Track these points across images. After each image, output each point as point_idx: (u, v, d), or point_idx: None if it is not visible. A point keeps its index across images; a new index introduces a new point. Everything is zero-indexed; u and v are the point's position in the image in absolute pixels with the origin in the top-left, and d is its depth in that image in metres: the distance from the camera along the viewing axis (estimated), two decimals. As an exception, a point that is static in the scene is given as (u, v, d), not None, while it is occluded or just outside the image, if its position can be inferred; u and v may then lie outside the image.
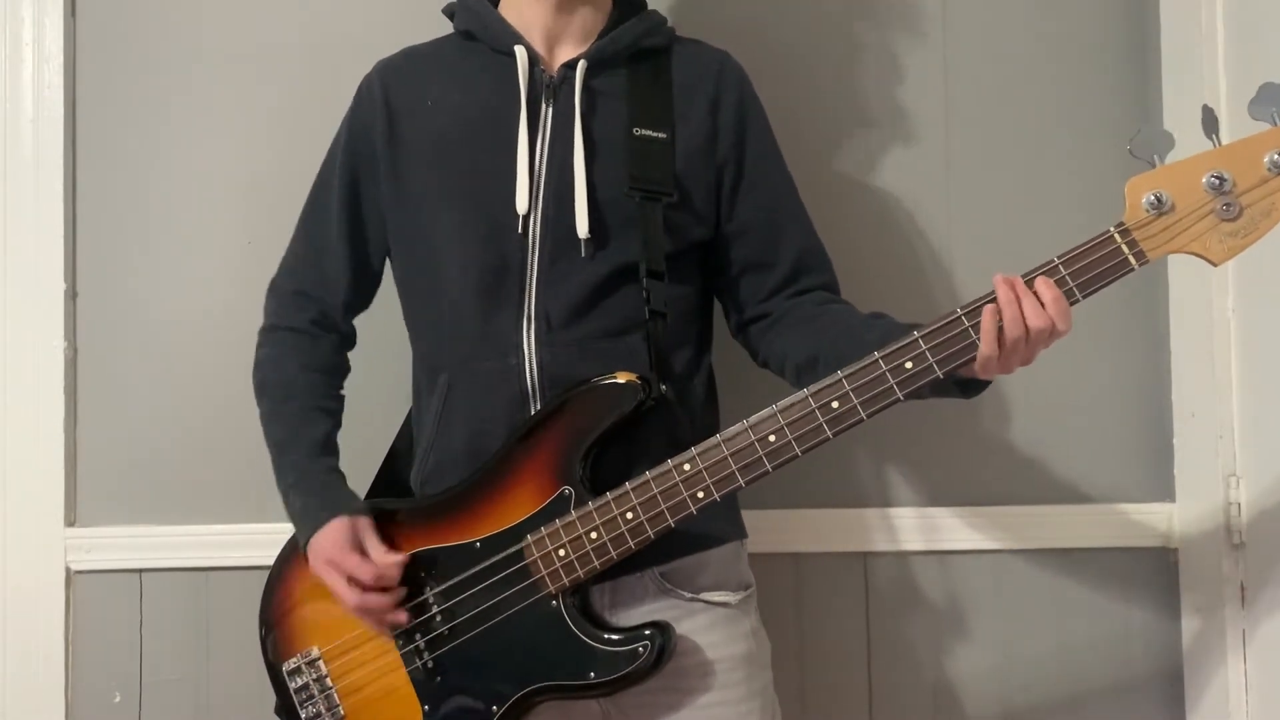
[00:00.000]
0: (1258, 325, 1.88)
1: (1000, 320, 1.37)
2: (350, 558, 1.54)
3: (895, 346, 1.40)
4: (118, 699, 2.07)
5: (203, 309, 2.10)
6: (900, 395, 1.40)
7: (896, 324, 1.53)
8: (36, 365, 2.08)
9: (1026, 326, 1.36)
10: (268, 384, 1.72)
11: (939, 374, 1.40)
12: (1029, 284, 1.38)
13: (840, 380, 1.41)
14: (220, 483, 2.07)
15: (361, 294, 1.76)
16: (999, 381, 1.99)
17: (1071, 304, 1.37)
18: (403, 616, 1.55)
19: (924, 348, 1.39)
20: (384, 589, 1.54)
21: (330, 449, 1.68)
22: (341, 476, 1.66)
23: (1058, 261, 1.36)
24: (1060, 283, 1.36)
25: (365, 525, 1.57)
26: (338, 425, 1.71)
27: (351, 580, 1.53)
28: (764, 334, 1.69)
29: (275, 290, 1.77)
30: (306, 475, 1.64)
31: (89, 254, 2.11)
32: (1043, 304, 1.36)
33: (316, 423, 1.68)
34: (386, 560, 1.54)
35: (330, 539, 1.56)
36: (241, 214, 2.10)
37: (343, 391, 1.75)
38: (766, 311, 1.69)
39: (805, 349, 1.61)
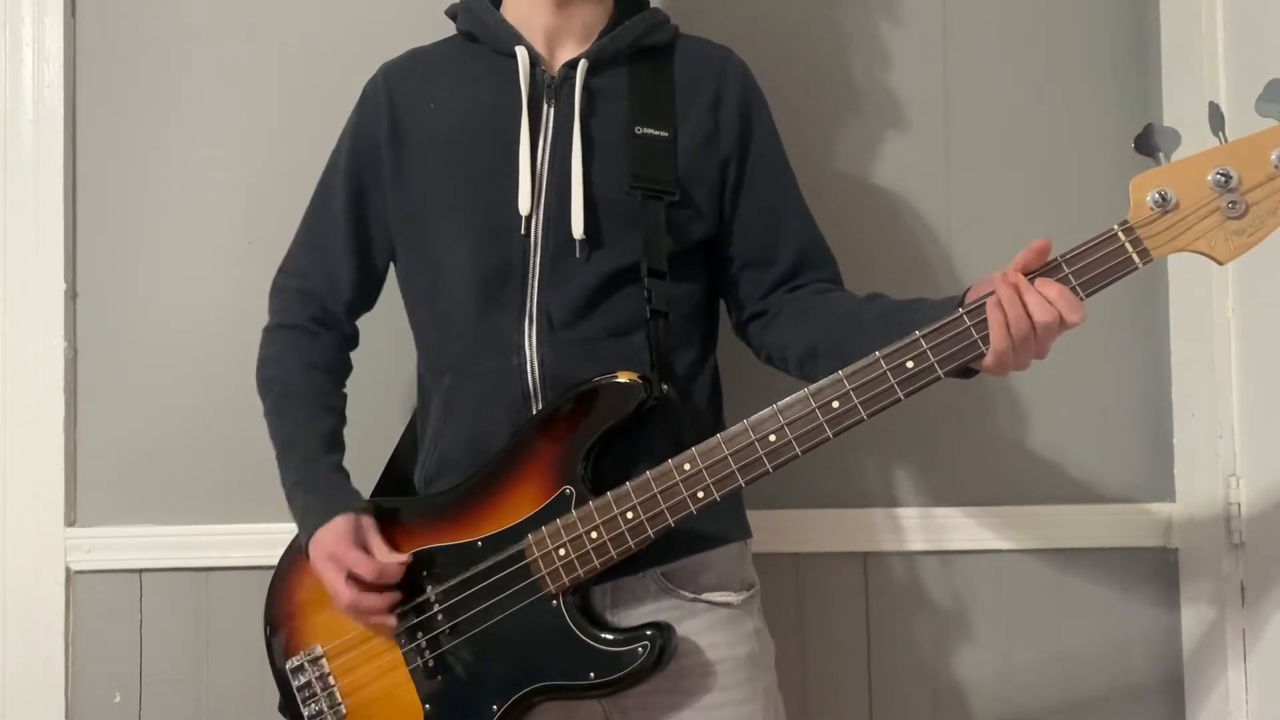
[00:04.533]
0: (1258, 325, 1.88)
1: (1006, 316, 1.34)
2: (351, 552, 1.53)
3: (896, 346, 1.38)
4: (118, 699, 2.07)
5: (203, 309, 2.10)
6: (901, 395, 1.38)
7: (895, 305, 1.53)
8: (36, 365, 2.08)
9: (1032, 322, 1.33)
10: (271, 382, 1.72)
11: (940, 374, 1.37)
12: (1031, 281, 1.35)
13: (841, 379, 1.40)
14: (220, 483, 2.07)
15: (365, 294, 1.76)
16: (1000, 381, 2.02)
17: None
18: (394, 620, 1.55)
19: (925, 347, 1.37)
20: (382, 589, 1.54)
21: (334, 445, 1.67)
22: (345, 474, 1.66)
23: (1060, 260, 1.35)
24: (1063, 281, 1.34)
25: (369, 523, 1.57)
26: (342, 421, 1.71)
27: (350, 577, 1.52)
28: (764, 329, 1.68)
29: (277, 289, 1.77)
30: (310, 473, 1.64)
31: (89, 254, 2.11)
32: (1047, 299, 1.33)
33: (320, 419, 1.68)
34: (389, 558, 1.54)
35: (332, 535, 1.55)
36: (241, 214, 2.10)
37: (345, 390, 1.75)
38: (766, 308, 1.68)
39: (804, 339, 1.60)
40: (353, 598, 1.53)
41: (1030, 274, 1.36)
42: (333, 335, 1.75)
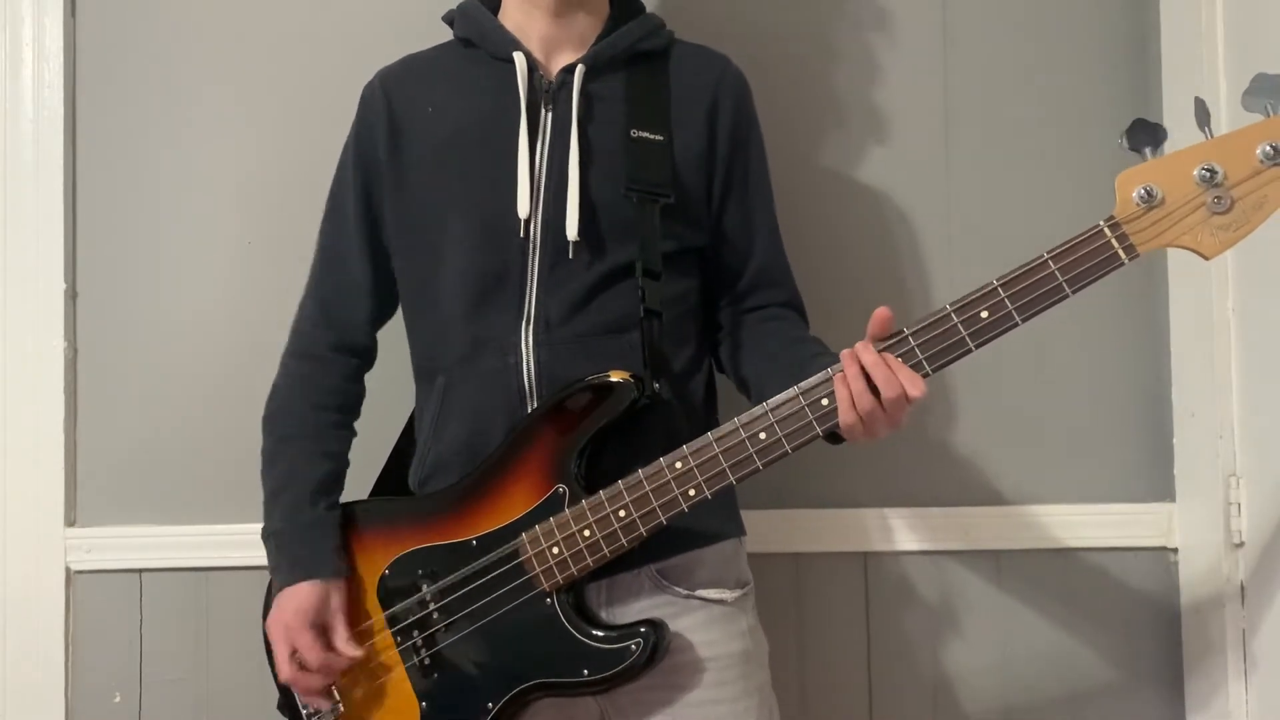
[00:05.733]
0: (1258, 325, 1.87)
1: (850, 393, 1.40)
2: (304, 635, 1.55)
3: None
4: (118, 699, 2.07)
5: (203, 309, 2.11)
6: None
7: (800, 360, 1.56)
8: (36, 365, 2.09)
9: (878, 397, 1.38)
10: (273, 419, 1.71)
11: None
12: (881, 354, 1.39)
13: (829, 377, 1.42)
14: (220, 483, 2.07)
15: (385, 301, 1.74)
16: (1000, 381, 2.02)
17: (1061, 299, 1.35)
18: (325, 704, 1.59)
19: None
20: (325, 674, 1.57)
21: (326, 490, 1.65)
22: (333, 522, 1.63)
23: (1047, 256, 1.35)
24: (1050, 278, 1.35)
25: (337, 601, 1.58)
26: (343, 466, 1.70)
27: (294, 656, 1.56)
28: (718, 345, 1.73)
29: (300, 311, 1.75)
30: (291, 524, 1.63)
31: (89, 254, 2.11)
32: (893, 373, 1.38)
33: (315, 465, 1.66)
34: (344, 653, 1.56)
35: (296, 604, 1.56)
36: (241, 214, 2.11)
37: (355, 425, 1.74)
38: (720, 323, 1.72)
39: (743, 370, 1.67)
40: (291, 676, 1.57)
41: (880, 342, 1.40)
42: (348, 361, 1.73)
